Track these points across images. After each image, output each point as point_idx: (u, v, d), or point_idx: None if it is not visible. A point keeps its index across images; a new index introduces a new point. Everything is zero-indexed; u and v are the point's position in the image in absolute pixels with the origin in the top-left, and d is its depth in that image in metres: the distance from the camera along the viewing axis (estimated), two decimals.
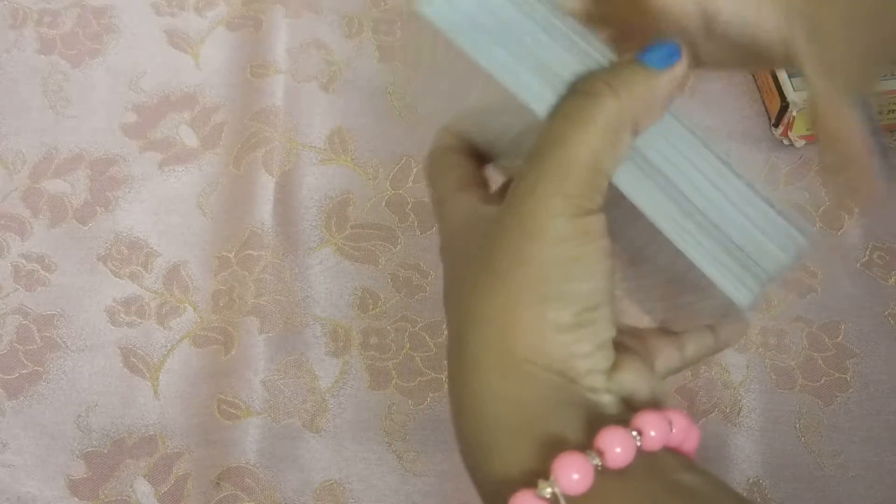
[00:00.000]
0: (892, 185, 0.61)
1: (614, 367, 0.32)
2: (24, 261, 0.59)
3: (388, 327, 0.57)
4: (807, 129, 0.60)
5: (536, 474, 0.29)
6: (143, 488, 0.53)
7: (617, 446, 0.29)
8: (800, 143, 0.61)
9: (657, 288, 0.37)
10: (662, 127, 0.34)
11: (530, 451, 0.30)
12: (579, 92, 0.32)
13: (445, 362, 0.34)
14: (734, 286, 0.36)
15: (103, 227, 0.60)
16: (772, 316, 0.57)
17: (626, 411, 0.31)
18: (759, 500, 0.52)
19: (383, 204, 0.60)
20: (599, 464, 0.29)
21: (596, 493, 0.29)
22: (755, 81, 0.64)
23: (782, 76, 0.60)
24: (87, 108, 0.64)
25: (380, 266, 0.59)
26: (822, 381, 0.55)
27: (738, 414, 0.54)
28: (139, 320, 0.57)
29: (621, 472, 0.29)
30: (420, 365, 0.56)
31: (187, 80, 0.65)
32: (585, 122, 0.31)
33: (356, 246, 0.59)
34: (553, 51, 0.33)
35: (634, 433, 0.30)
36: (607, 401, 0.31)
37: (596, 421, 0.30)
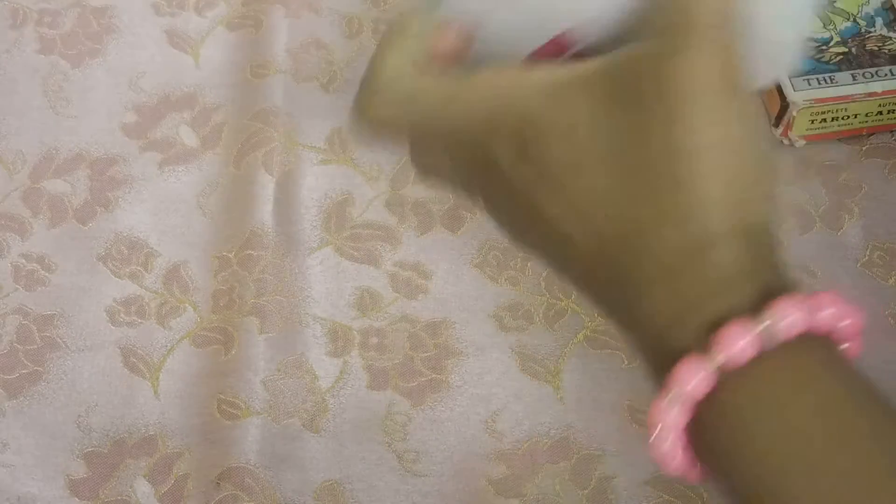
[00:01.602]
0: (893, 185, 0.61)
1: None
2: (24, 261, 0.59)
3: (388, 328, 0.57)
4: (806, 130, 0.60)
5: (755, 311, 0.30)
6: (143, 488, 0.53)
7: (831, 307, 0.30)
8: (800, 143, 0.61)
9: None
10: None
11: (751, 295, 0.31)
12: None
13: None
14: None
15: (103, 227, 0.60)
16: None
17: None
18: None
19: (383, 204, 0.60)
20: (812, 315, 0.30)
21: (800, 348, 0.30)
22: None
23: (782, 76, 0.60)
24: (87, 108, 0.64)
25: (380, 266, 0.59)
26: None
27: None
28: (139, 320, 0.57)
29: (821, 340, 0.31)
30: (420, 366, 0.56)
31: (187, 80, 0.65)
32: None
33: (356, 246, 0.59)
34: None
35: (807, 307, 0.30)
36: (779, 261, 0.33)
37: (796, 283, 0.31)
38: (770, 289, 0.31)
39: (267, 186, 0.60)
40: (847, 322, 0.31)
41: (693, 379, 0.30)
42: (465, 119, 0.35)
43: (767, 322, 0.29)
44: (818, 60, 0.61)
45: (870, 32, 0.62)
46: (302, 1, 0.67)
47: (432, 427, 0.54)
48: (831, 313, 0.31)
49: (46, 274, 0.59)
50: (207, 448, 0.54)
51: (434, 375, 0.55)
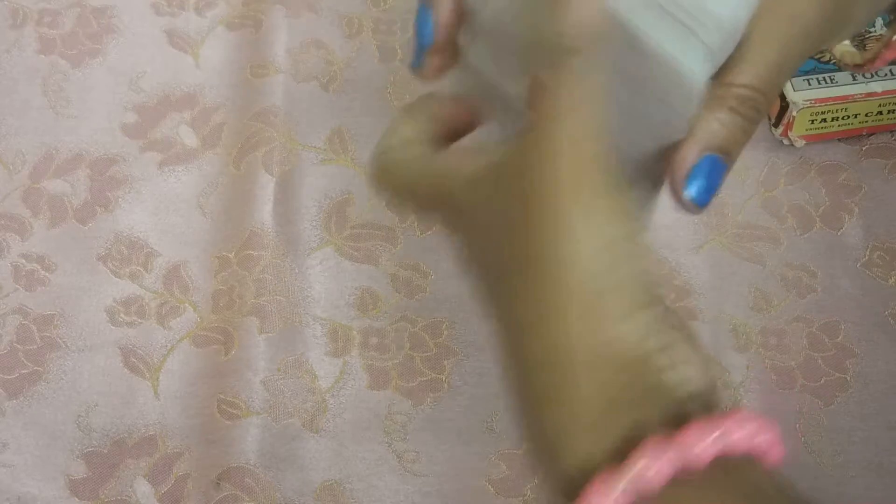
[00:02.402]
0: (893, 185, 0.61)
1: (673, 350, 0.30)
2: (24, 261, 0.59)
3: (388, 327, 0.57)
4: (806, 130, 0.60)
5: (614, 463, 0.28)
6: (143, 488, 0.53)
7: (697, 442, 0.28)
8: (800, 143, 0.61)
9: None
10: None
11: (608, 443, 0.29)
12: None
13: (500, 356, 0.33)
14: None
15: (103, 227, 0.60)
16: (772, 316, 0.57)
17: (701, 404, 0.30)
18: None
19: (384, 204, 0.60)
20: (679, 458, 0.28)
21: (673, 487, 0.28)
22: None
23: None
24: (87, 108, 0.64)
25: (380, 266, 0.59)
26: (822, 381, 0.55)
27: None
28: (139, 320, 0.57)
29: (699, 471, 0.28)
30: (420, 365, 0.56)
31: (187, 80, 0.65)
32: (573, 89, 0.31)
33: (356, 246, 0.59)
34: None
35: (717, 432, 0.29)
36: (677, 387, 0.30)
37: (673, 411, 0.29)
38: (635, 427, 0.29)
39: (267, 186, 0.60)
40: (739, 438, 0.29)
41: None
42: (424, 194, 0.36)
43: (632, 474, 0.28)
44: (818, 60, 0.61)
45: (870, 32, 0.62)
46: (302, 1, 0.67)
47: (432, 427, 0.54)
48: (705, 447, 0.28)
49: (46, 274, 0.59)
50: (207, 448, 0.54)
51: (434, 375, 0.55)
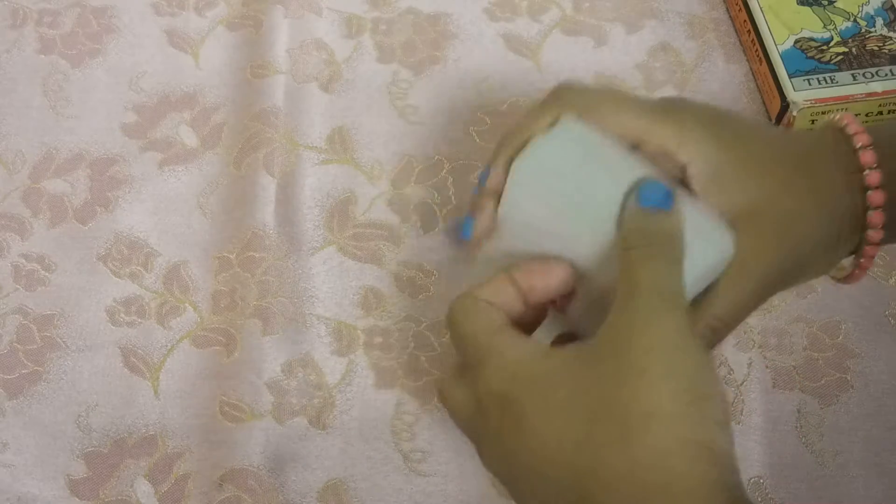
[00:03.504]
0: None
1: None
2: (24, 261, 0.59)
3: (392, 327, 0.57)
4: (807, 129, 0.60)
5: None
6: (143, 488, 0.53)
7: None
8: None
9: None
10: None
11: None
12: (632, 248, 0.40)
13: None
14: None
15: (103, 227, 0.60)
16: (772, 316, 0.57)
17: None
18: (759, 499, 0.52)
19: (385, 203, 0.60)
20: None
21: None
22: (755, 81, 0.64)
23: (782, 76, 0.60)
24: (87, 108, 0.64)
25: (383, 266, 0.59)
26: (823, 381, 0.55)
27: (740, 413, 0.54)
28: (139, 320, 0.57)
29: None
30: (426, 364, 0.56)
31: (187, 80, 0.65)
32: (662, 267, 0.39)
33: (359, 246, 0.59)
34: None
35: None
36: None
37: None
38: None
39: (268, 187, 0.60)
40: None
41: None
42: (477, 361, 0.42)
43: None
44: (818, 60, 0.61)
45: (870, 32, 0.62)
46: (302, 1, 0.67)
47: (439, 427, 0.54)
48: None
49: (46, 274, 0.59)
50: (209, 449, 0.54)
51: (441, 375, 0.55)
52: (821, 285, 0.58)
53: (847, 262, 0.46)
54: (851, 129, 0.43)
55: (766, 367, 0.56)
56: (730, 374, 0.55)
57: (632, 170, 0.42)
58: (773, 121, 0.61)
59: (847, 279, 0.46)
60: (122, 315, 0.58)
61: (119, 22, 0.67)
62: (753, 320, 0.57)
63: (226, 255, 0.59)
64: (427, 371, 0.55)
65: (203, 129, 0.63)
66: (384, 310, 0.57)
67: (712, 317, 0.42)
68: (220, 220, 0.60)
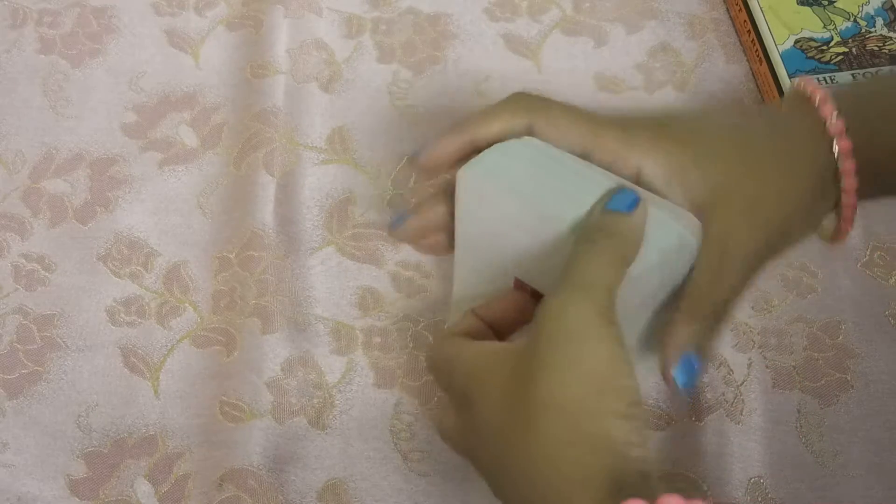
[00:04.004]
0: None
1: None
2: (24, 261, 0.59)
3: (391, 327, 0.57)
4: None
5: None
6: (143, 488, 0.53)
7: None
8: None
9: None
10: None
11: (597, 498, 0.36)
12: (585, 241, 0.41)
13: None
14: None
15: (103, 227, 0.60)
16: (772, 316, 0.57)
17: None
18: (759, 499, 0.52)
19: (385, 203, 0.60)
20: None
21: None
22: (755, 81, 0.64)
23: (782, 76, 0.60)
24: (87, 108, 0.64)
25: (381, 266, 0.59)
26: (823, 381, 0.55)
27: (741, 413, 0.54)
28: (139, 320, 0.57)
29: None
30: (425, 364, 0.56)
31: (187, 80, 0.65)
32: (595, 260, 0.40)
33: (358, 246, 0.59)
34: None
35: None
36: (652, 478, 0.37)
37: (651, 492, 0.35)
38: (624, 492, 0.35)
39: (268, 187, 0.60)
40: None
41: None
42: (449, 380, 0.44)
43: None
44: (818, 60, 0.61)
45: (870, 32, 0.62)
46: (302, 1, 0.67)
47: None
48: None
49: (46, 274, 0.59)
50: (209, 449, 0.54)
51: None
52: (820, 285, 0.58)
53: (829, 221, 0.46)
54: (813, 94, 0.44)
55: (766, 367, 0.56)
56: (730, 374, 0.55)
57: (591, 179, 0.43)
58: None
59: (834, 238, 0.47)
60: (122, 315, 0.58)
61: (119, 22, 0.67)
62: (753, 320, 0.57)
63: (225, 254, 0.59)
64: (426, 371, 0.55)
65: (203, 129, 0.63)
66: (382, 310, 0.57)
67: (701, 311, 0.43)
68: (220, 219, 0.60)
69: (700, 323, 0.43)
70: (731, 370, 0.55)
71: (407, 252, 0.59)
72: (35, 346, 0.57)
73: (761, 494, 0.52)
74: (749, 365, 0.56)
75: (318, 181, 0.61)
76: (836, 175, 0.44)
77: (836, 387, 0.55)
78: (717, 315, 0.44)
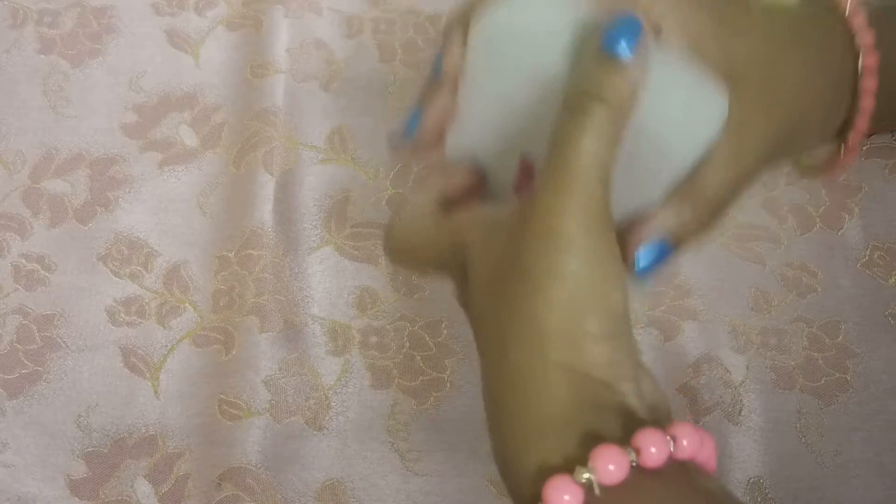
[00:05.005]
0: (893, 185, 0.61)
1: (637, 376, 0.34)
2: (24, 261, 0.59)
3: (388, 326, 0.57)
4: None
5: (575, 462, 0.31)
6: (143, 488, 0.53)
7: (652, 446, 0.31)
8: None
9: None
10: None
11: (570, 444, 0.32)
12: (573, 110, 0.35)
13: (457, 362, 0.36)
14: None
15: (103, 227, 0.60)
16: (772, 316, 0.57)
17: (654, 420, 0.33)
18: (759, 499, 0.52)
19: (384, 203, 0.60)
20: (635, 460, 0.31)
21: (628, 487, 0.31)
22: None
23: None
24: (87, 108, 0.64)
25: (380, 265, 0.59)
26: (822, 381, 0.55)
27: (739, 413, 0.54)
28: (139, 320, 0.57)
29: (653, 473, 0.31)
30: (421, 364, 0.56)
31: (187, 80, 0.65)
32: (588, 138, 0.34)
33: (356, 245, 0.59)
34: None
35: (669, 438, 0.32)
36: (637, 406, 0.33)
37: (631, 423, 0.32)
38: (592, 435, 0.32)
39: (267, 186, 0.60)
40: (685, 447, 0.32)
41: None
42: (438, 254, 0.40)
43: (587, 475, 0.30)
44: None
45: None
46: (302, 1, 0.67)
47: (435, 426, 0.54)
48: (657, 451, 0.31)
49: (46, 274, 0.59)
50: (208, 448, 0.54)
51: (436, 374, 0.55)
52: (820, 285, 0.58)
53: (822, 152, 0.44)
54: (842, 2, 0.41)
55: (766, 367, 0.56)
56: (727, 374, 0.55)
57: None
58: None
59: (829, 170, 0.44)
60: (122, 315, 0.58)
61: (119, 22, 0.67)
62: (753, 320, 0.57)
63: (225, 253, 0.59)
64: (422, 371, 0.55)
65: (203, 129, 0.63)
66: (379, 309, 0.57)
67: (702, 197, 0.39)
68: (220, 219, 0.60)
69: (691, 213, 0.39)
70: (729, 371, 0.55)
71: None
72: (35, 346, 0.57)
73: (761, 495, 0.52)
74: (748, 365, 0.56)
75: (318, 180, 0.61)
76: (854, 92, 0.40)
77: (836, 387, 0.55)
78: (711, 211, 0.39)
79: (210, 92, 0.65)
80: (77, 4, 0.68)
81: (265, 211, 0.60)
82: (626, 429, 0.32)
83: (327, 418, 0.55)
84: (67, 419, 0.55)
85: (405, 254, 0.42)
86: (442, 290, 0.58)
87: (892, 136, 0.62)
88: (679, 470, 0.32)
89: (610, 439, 0.31)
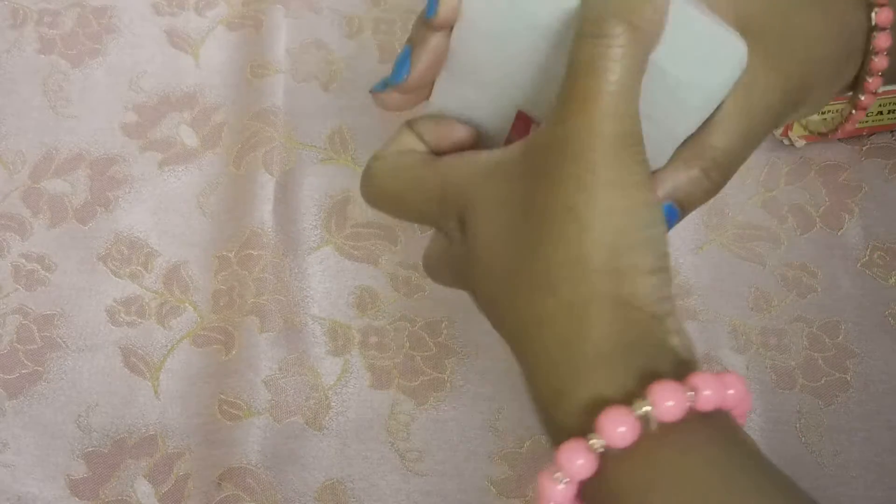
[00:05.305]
0: (893, 185, 0.61)
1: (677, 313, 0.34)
2: (24, 261, 0.59)
3: (387, 326, 0.57)
4: (807, 130, 0.60)
5: (632, 395, 0.30)
6: (143, 488, 0.53)
7: (707, 389, 0.30)
8: (800, 143, 0.61)
9: None
10: None
11: (626, 377, 0.31)
12: (595, 35, 0.33)
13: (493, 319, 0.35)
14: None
15: (103, 227, 0.60)
16: (772, 316, 0.57)
17: (696, 362, 0.33)
18: None
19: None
20: (692, 399, 0.30)
21: (682, 427, 0.30)
22: None
23: None
24: (87, 108, 0.64)
25: (380, 265, 0.59)
26: (823, 381, 0.55)
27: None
28: (139, 320, 0.57)
29: (704, 416, 0.31)
30: (421, 364, 0.56)
31: (187, 80, 0.65)
32: (615, 64, 0.32)
33: (356, 245, 0.59)
34: None
35: (722, 384, 0.31)
36: (681, 345, 0.33)
37: (681, 363, 0.32)
38: (647, 370, 0.31)
39: (267, 186, 0.60)
40: (731, 395, 0.31)
41: (577, 460, 0.30)
42: (425, 200, 0.38)
43: (645, 409, 0.30)
44: None
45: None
46: (302, 1, 0.67)
47: (435, 426, 0.54)
48: (711, 394, 0.31)
49: (46, 274, 0.59)
50: (208, 448, 0.54)
51: (437, 374, 0.55)
52: (820, 285, 0.58)
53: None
54: None
55: (766, 367, 0.56)
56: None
57: None
58: None
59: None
60: (122, 315, 0.58)
61: (119, 22, 0.67)
62: (753, 320, 0.57)
63: (225, 253, 0.59)
64: (422, 371, 0.55)
65: (203, 129, 0.63)
66: (379, 309, 0.57)
67: (711, 154, 0.37)
68: (220, 219, 0.60)
69: (700, 171, 0.37)
70: (728, 371, 0.55)
71: (405, 251, 0.59)
72: (35, 346, 0.57)
73: None
74: (748, 365, 0.56)
75: (317, 180, 0.61)
76: (865, 49, 0.39)
77: (836, 387, 0.55)
78: (720, 169, 0.37)
79: (210, 92, 0.65)
80: (77, 4, 0.68)
81: (265, 211, 0.60)
82: (677, 367, 0.32)
83: (327, 418, 0.55)
84: (67, 419, 0.55)
85: (385, 197, 0.40)
86: (442, 290, 0.58)
87: (893, 136, 0.62)
88: (726, 418, 0.32)
89: (666, 375, 0.31)
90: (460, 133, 0.39)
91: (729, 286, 0.58)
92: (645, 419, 0.30)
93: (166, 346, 0.57)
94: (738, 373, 0.32)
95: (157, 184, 0.61)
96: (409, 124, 0.39)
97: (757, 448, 0.32)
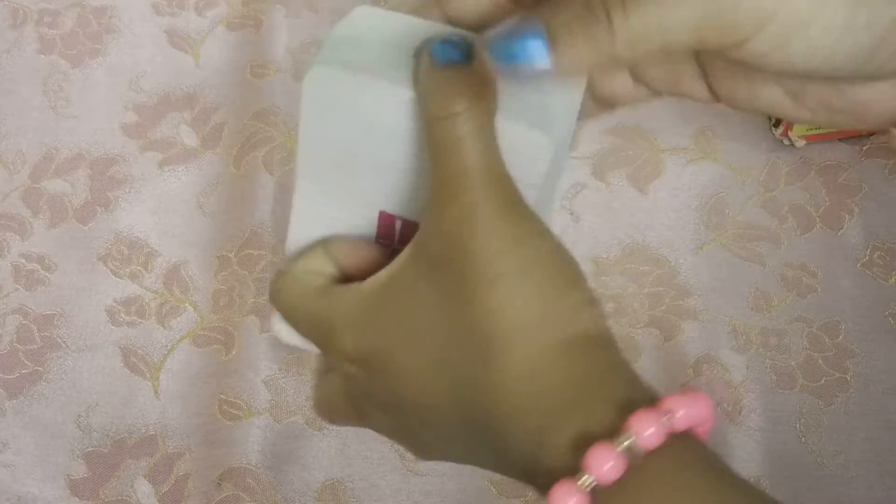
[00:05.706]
0: (893, 185, 0.61)
1: None
2: (24, 261, 0.59)
3: None
4: (807, 130, 0.60)
5: (614, 428, 0.31)
6: (143, 488, 0.53)
7: (681, 409, 0.31)
8: (800, 143, 0.61)
9: None
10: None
11: (603, 412, 0.31)
12: (444, 119, 0.32)
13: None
14: None
15: (103, 227, 0.60)
16: (772, 316, 0.57)
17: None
18: None
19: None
20: (669, 419, 0.31)
21: (664, 451, 0.30)
22: None
23: None
24: (87, 108, 0.64)
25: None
26: (823, 381, 0.55)
27: (740, 413, 0.54)
28: (139, 320, 0.57)
29: (683, 436, 0.31)
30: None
31: (187, 80, 0.65)
32: (473, 141, 0.32)
33: None
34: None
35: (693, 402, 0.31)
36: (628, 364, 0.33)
37: (647, 387, 0.32)
38: (622, 400, 0.31)
39: (267, 186, 0.60)
40: (700, 412, 0.32)
41: (569, 501, 0.30)
42: (319, 336, 0.38)
43: (630, 440, 0.30)
44: None
45: None
46: (302, 1, 0.67)
47: None
48: (684, 414, 0.31)
49: (46, 274, 0.59)
50: (208, 448, 0.54)
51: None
52: (820, 285, 0.58)
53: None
54: None
55: (766, 367, 0.56)
56: (728, 374, 0.55)
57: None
58: (773, 121, 0.61)
59: None
60: (122, 315, 0.58)
61: (119, 22, 0.67)
62: (753, 320, 0.57)
63: (225, 253, 0.59)
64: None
65: (203, 129, 0.63)
66: None
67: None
68: (220, 219, 0.60)
69: (585, 12, 0.30)
70: (729, 371, 0.55)
71: None
72: (35, 346, 0.57)
73: None
74: (748, 365, 0.56)
75: None
76: None
77: (836, 387, 0.55)
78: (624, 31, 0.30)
79: (210, 92, 0.65)
80: (77, 4, 0.68)
81: (265, 211, 0.60)
82: (646, 391, 0.32)
83: None
84: (67, 419, 0.55)
85: (289, 318, 0.40)
86: None
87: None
88: (692, 436, 0.32)
89: (640, 402, 0.31)
90: (365, 251, 0.39)
91: (729, 286, 0.58)
92: (629, 451, 0.30)
93: (166, 346, 0.57)
94: (702, 390, 0.32)
95: (157, 184, 0.61)
96: (325, 243, 0.39)
97: (724, 461, 0.33)
